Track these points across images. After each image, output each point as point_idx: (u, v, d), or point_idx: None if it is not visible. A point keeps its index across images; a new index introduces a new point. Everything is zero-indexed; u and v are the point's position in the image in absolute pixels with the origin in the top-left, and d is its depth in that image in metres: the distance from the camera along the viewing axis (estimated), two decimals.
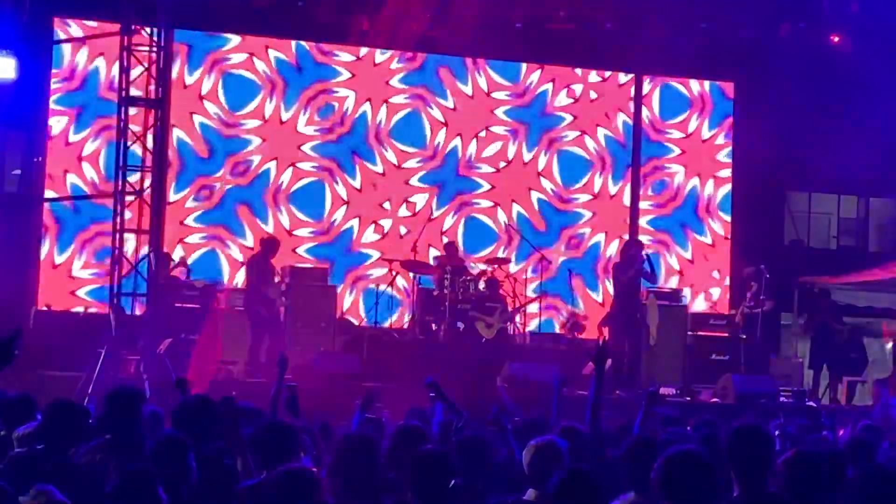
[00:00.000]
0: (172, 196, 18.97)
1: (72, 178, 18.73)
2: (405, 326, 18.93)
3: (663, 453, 5.54)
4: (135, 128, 15.87)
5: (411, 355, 16.71)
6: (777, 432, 9.37)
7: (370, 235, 20.06)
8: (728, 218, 21.70)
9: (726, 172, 21.81)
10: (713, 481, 5.43)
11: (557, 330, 19.94)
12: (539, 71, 21.03)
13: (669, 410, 11.41)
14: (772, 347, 19.95)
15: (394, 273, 18.80)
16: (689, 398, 17.00)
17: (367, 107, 20.12)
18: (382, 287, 18.69)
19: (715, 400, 16.92)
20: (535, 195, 20.82)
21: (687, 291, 20.32)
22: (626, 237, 20.05)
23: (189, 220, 19.29)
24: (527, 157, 20.82)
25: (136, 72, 15.99)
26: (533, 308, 19.47)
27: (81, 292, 18.63)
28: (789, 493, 5.78)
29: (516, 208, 20.67)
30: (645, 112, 21.41)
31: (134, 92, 15.97)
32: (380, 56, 20.21)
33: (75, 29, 19.01)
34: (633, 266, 17.23)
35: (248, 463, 6.73)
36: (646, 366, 17.83)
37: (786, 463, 5.93)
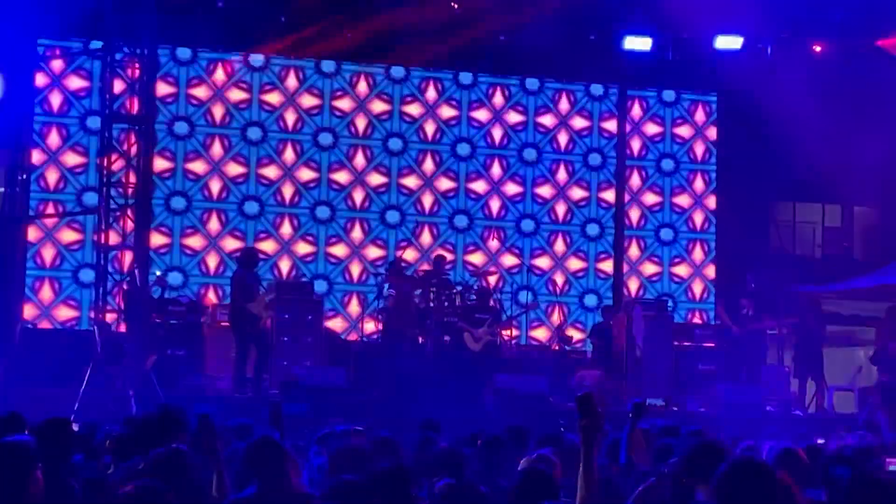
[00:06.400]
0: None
1: (57, 195, 18.76)
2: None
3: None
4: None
5: (397, 368, 16.69)
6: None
7: None
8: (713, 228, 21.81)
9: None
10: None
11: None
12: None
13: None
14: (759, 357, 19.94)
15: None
16: (675, 408, 17.02)
17: None
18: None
19: (702, 410, 16.94)
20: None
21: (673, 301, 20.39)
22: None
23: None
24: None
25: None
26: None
27: (67, 309, 18.67)
28: None
29: None
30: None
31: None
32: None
33: (60, 48, 19.00)
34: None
35: (223, 480, 6.65)
36: (632, 377, 17.83)
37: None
